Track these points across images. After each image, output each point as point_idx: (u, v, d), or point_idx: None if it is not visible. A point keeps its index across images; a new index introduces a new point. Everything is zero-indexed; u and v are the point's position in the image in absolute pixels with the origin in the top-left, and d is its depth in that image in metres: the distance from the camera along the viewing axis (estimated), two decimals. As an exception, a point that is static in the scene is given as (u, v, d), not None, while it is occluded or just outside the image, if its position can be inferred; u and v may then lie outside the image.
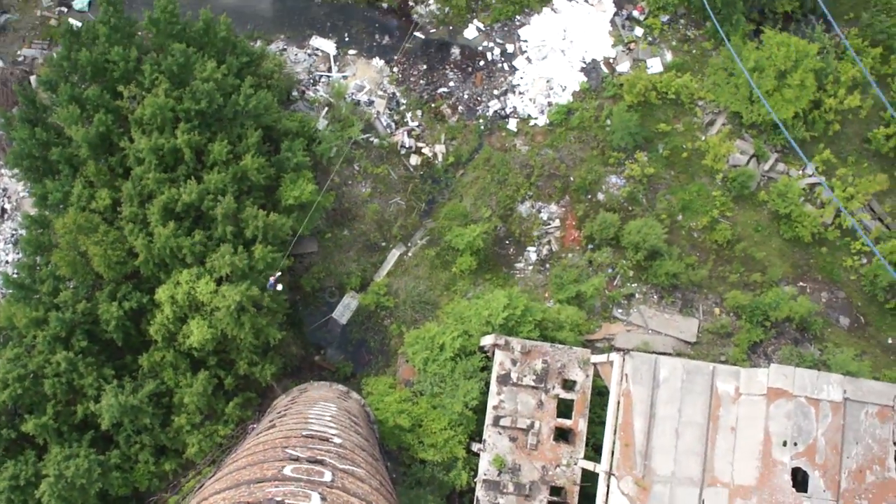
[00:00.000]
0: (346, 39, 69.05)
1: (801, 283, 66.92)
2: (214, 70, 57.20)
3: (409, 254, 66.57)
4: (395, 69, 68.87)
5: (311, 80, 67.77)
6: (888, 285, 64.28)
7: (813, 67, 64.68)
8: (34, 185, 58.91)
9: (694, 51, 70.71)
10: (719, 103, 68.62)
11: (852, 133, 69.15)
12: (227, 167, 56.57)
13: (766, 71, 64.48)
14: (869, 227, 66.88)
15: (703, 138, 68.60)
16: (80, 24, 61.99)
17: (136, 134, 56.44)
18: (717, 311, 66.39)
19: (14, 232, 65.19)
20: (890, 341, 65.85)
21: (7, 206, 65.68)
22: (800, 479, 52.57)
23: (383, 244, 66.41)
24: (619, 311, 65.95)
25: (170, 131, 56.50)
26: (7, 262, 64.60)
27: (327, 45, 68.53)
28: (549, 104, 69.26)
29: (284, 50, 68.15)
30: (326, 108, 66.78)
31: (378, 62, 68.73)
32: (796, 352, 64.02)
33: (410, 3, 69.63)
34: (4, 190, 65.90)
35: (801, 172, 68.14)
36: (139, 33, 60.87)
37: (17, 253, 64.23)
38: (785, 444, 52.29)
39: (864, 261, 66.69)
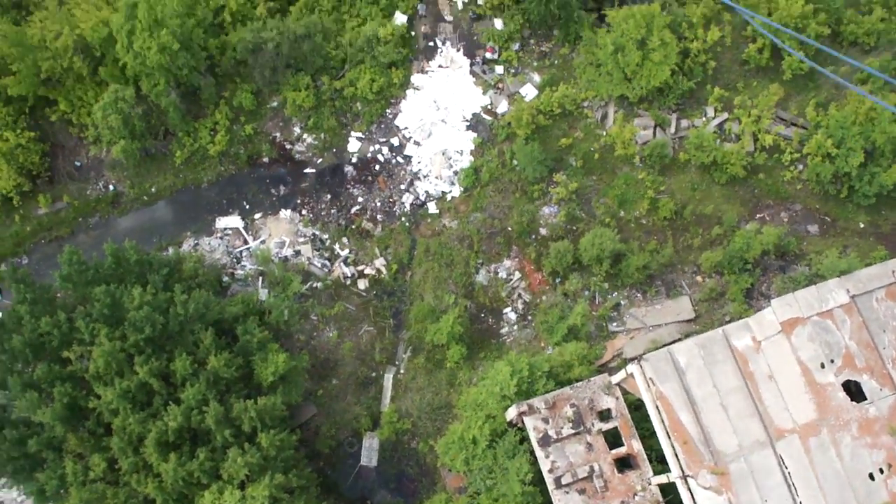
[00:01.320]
0: (248, 207, 70.13)
1: (758, 216, 68.65)
2: (142, 295, 57.63)
3: (401, 371, 66.83)
4: (304, 212, 70.00)
5: (234, 260, 68.58)
6: (832, 178, 66.24)
7: (665, 23, 67.47)
8: (26, 484, 58.22)
9: (556, 62, 73.19)
10: (602, 96, 70.88)
11: (729, 62, 71.89)
12: (198, 377, 56.69)
13: (627, 47, 67.04)
14: (788, 135, 69.09)
15: (605, 133, 70.66)
16: (-1, 314, 62.25)
17: (99, 389, 56.40)
18: (699, 279, 67.63)
19: (30, 542, 63.88)
20: (862, 226, 67.67)
21: (11, 519, 64.64)
22: (854, 390, 53.24)
23: (373, 375, 66.61)
24: (614, 324, 66.75)
25: (129, 371, 56.56)
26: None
27: (233, 221, 69.58)
28: (456, 173, 70.87)
29: (197, 244, 69.02)
30: (260, 278, 67.55)
31: (286, 213, 69.84)
32: (788, 278, 65.30)
33: (288, 146, 71.15)
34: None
35: (704, 119, 70.34)
36: (58, 295, 61.26)
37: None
38: (823, 365, 53.14)
39: (801, 167, 68.79)
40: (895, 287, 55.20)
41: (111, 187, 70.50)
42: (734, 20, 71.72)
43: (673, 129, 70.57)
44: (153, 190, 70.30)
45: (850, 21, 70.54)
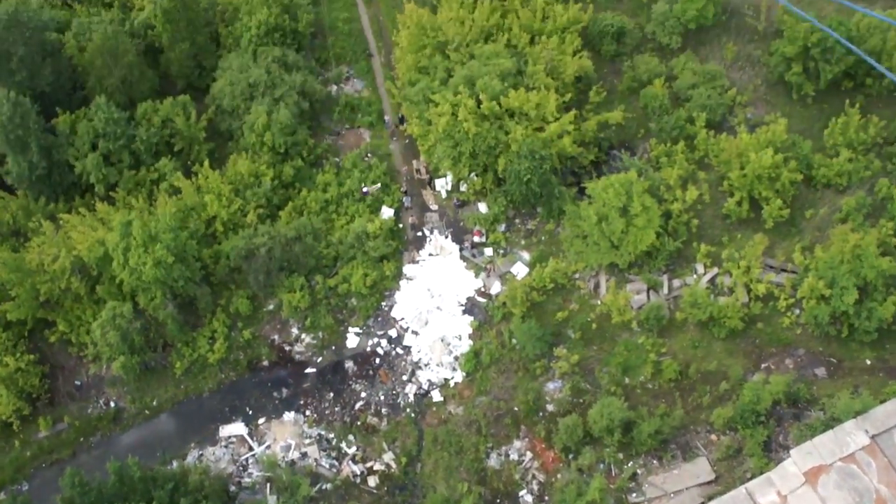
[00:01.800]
0: (251, 412, 70.06)
1: (763, 366, 68.29)
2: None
3: (423, 567, 64.76)
4: (308, 412, 69.81)
5: (241, 468, 67.77)
6: (831, 318, 66.37)
7: (643, 189, 69.61)
8: None
9: (543, 238, 75.07)
10: (592, 266, 72.19)
11: (711, 218, 73.75)
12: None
13: (610, 215, 68.86)
14: (780, 282, 69.82)
15: (599, 302, 71.50)
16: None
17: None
18: (714, 437, 66.48)
19: None
20: (869, 362, 67.15)
21: None
22: (890, 536, 51.38)
23: (395, 574, 64.55)
24: (634, 495, 65.00)
25: None
26: None
27: (237, 428, 69.31)
28: (456, 358, 71.24)
29: (201, 455, 68.40)
30: (268, 484, 66.50)
31: (289, 415, 69.63)
32: (804, 426, 64.09)
33: (287, 348, 71.93)
34: None
35: (695, 276, 71.32)
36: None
37: None
38: (854, 512, 51.49)
39: (798, 311, 69.06)
40: (915, 422, 54.12)
41: (112, 404, 70.86)
42: (709, 177, 74.12)
43: (666, 290, 71.40)
44: (154, 403, 70.55)
45: (820, 165, 72.89)
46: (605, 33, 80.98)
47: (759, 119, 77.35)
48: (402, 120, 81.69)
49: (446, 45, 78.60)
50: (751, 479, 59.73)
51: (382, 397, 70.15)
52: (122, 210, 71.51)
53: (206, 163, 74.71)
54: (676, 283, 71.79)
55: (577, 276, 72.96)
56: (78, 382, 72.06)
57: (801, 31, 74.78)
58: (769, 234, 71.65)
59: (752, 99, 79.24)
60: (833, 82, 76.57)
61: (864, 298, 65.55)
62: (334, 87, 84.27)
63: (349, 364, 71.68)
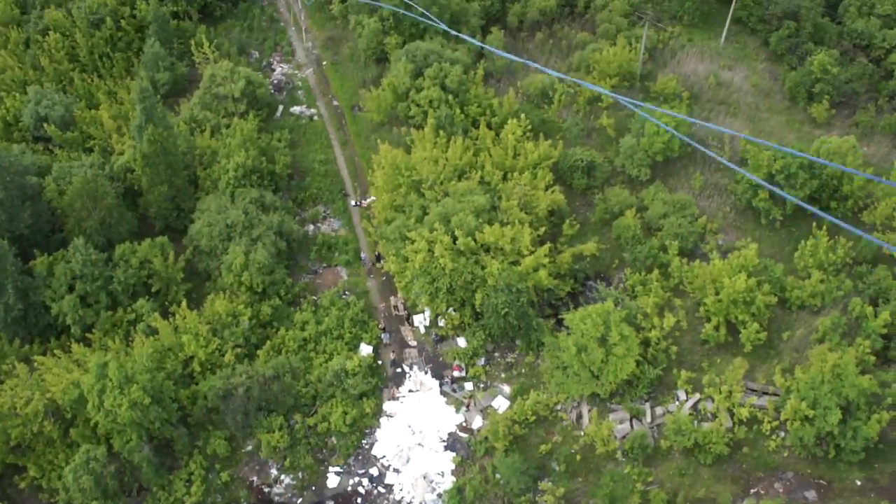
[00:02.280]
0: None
1: (752, 491, 67.57)
2: None
3: None
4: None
5: None
6: (816, 439, 66.23)
7: (621, 318, 70.45)
8: None
9: (523, 370, 75.25)
10: (573, 397, 72.15)
11: (689, 344, 74.55)
12: None
13: (589, 346, 69.34)
14: (763, 405, 69.97)
15: (582, 433, 71.11)
16: None
17: None
18: (706, 567, 65.21)
19: None
20: (859, 483, 66.66)
21: None
22: None
23: None
24: None
25: None
26: None
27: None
28: (440, 495, 69.97)
29: None
30: None
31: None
32: (798, 552, 63.31)
33: (266, 490, 70.35)
34: None
35: (677, 403, 71.38)
36: None
37: None
38: None
39: (783, 434, 68.92)
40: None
41: (85, 554, 68.46)
42: (686, 304, 75.28)
43: (649, 418, 71.24)
44: (129, 552, 68.43)
45: (793, 287, 74.47)
46: (575, 168, 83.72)
47: (730, 245, 79.40)
48: (378, 258, 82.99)
49: (421, 183, 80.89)
50: None
51: (364, 542, 68.52)
52: (98, 351, 71.18)
53: (184, 303, 75.08)
54: (659, 410, 71.74)
55: (558, 407, 72.82)
56: (49, 537, 69.90)
57: (764, 158, 77.79)
58: (748, 357, 72.39)
59: (722, 225, 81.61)
60: (799, 206, 79.00)
61: (848, 418, 65.73)
62: (311, 227, 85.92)
63: (330, 504, 70.33)
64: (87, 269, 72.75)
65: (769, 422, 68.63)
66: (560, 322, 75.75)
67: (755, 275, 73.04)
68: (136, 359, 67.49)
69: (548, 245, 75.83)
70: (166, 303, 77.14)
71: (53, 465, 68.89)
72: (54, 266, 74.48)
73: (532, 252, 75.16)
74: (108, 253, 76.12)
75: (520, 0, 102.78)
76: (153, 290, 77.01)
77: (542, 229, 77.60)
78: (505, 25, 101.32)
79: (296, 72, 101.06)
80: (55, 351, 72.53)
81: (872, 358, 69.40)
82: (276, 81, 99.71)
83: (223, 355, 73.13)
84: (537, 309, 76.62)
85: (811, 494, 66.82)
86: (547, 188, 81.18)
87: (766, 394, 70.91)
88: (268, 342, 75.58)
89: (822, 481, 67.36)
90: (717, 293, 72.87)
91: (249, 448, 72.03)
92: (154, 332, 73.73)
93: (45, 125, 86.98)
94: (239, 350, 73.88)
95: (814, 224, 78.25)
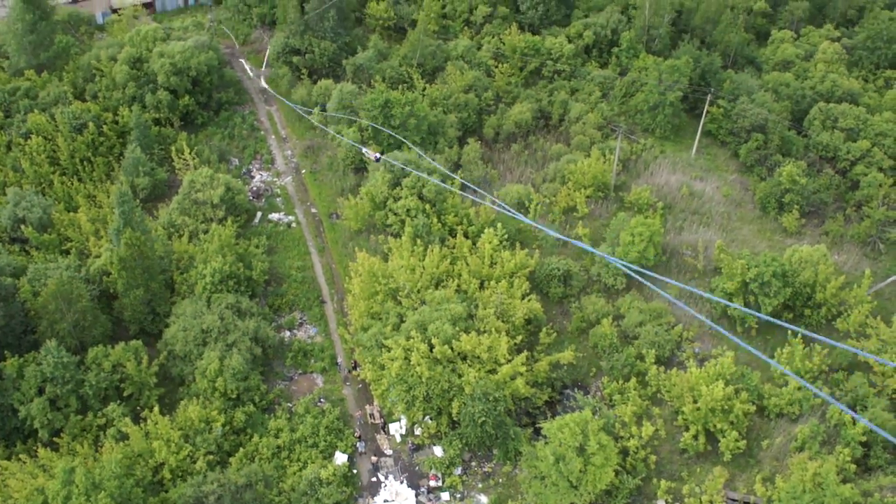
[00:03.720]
0: None
1: None
2: None
3: None
4: None
5: None
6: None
7: (599, 427, 70.50)
8: None
9: (501, 480, 74.74)
10: (552, 505, 71.70)
11: (668, 453, 74.63)
12: None
13: (567, 455, 69.10)
14: (745, 515, 69.94)
15: (563, 543, 70.36)
16: None
17: None
18: None
19: None
20: None
21: None
22: None
23: None
24: None
25: None
26: None
27: None
28: None
29: None
30: None
31: None
32: None
33: None
34: None
35: (658, 516, 71.22)
36: None
37: None
38: None
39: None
40: None
41: None
42: (664, 413, 75.67)
43: (630, 530, 70.79)
44: None
45: (770, 395, 75.24)
46: (551, 276, 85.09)
47: (706, 353, 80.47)
48: (355, 365, 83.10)
49: (398, 291, 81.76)
50: None
51: None
52: (66, 457, 69.91)
53: (156, 408, 74.30)
54: (637, 523, 71.43)
55: (537, 517, 72.23)
56: None
57: (738, 267, 79.56)
58: (728, 466, 72.57)
59: (699, 334, 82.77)
60: (773, 314, 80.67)
61: (831, 528, 65.68)
62: (287, 333, 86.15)
63: None
64: (59, 371, 72.24)
65: (754, 536, 68.54)
66: (538, 431, 75.76)
67: (732, 382, 73.94)
68: (104, 465, 66.26)
69: (525, 353, 76.43)
70: (138, 407, 76.43)
71: None
72: (25, 368, 73.87)
73: (509, 360, 75.73)
74: (80, 356, 75.77)
75: (496, 112, 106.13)
76: (125, 394, 76.38)
77: (519, 338, 78.33)
78: (481, 136, 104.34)
79: (275, 179, 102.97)
80: (20, 455, 71.19)
81: (853, 466, 69.78)
82: (255, 188, 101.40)
83: (195, 462, 72.14)
84: (514, 418, 76.75)
85: None
86: (523, 297, 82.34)
87: (748, 503, 70.83)
88: (241, 449, 74.67)
89: None
90: (695, 401, 73.49)
91: (220, 561, 70.45)
92: (124, 438, 72.81)
93: (22, 226, 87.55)
94: (211, 457, 72.88)
95: (789, 332, 79.65)
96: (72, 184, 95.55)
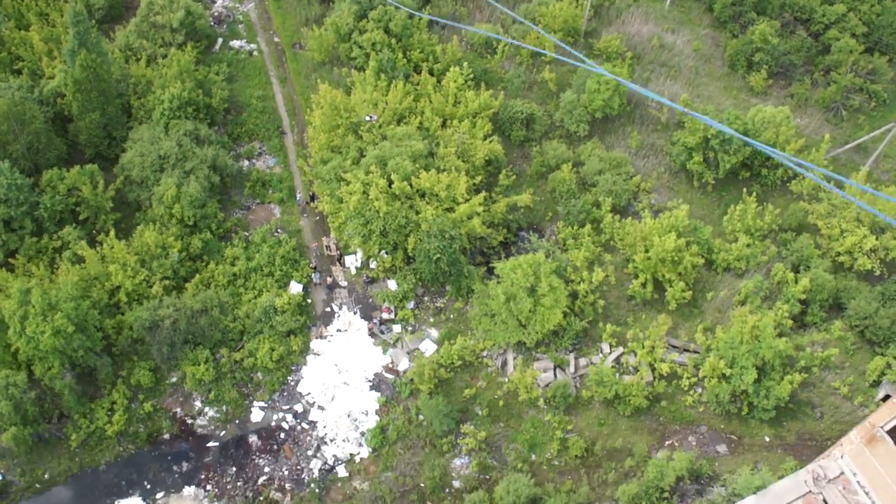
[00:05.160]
0: (148, 487, 68.86)
1: (667, 443, 70.94)
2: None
3: None
4: (209, 487, 69.10)
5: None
6: (731, 397, 69.70)
7: (551, 270, 72.66)
8: None
9: (452, 315, 77.24)
10: (500, 344, 74.45)
11: (616, 299, 77.30)
12: None
13: (518, 295, 71.46)
14: (683, 361, 73.18)
15: (507, 380, 73.53)
16: None
17: None
18: (618, 513, 68.44)
19: None
20: (767, 439, 70.49)
21: None
22: None
23: None
24: (539, 571, 66.24)
25: None
26: None
27: (134, 503, 68.18)
28: (363, 434, 71.90)
29: (91, 529, 66.93)
30: (163, 562, 65.52)
31: (189, 490, 68.73)
32: (706, 501, 66.64)
33: (189, 421, 71.51)
34: None
35: (601, 355, 74.19)
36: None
37: None
38: (757, 583, 53.77)
39: (700, 390, 72.30)
40: (811, 497, 57.09)
41: (0, 477, 68.88)
42: (615, 259, 77.93)
43: (573, 369, 73.92)
44: (46, 476, 68.69)
45: (720, 250, 77.64)
46: (514, 119, 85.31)
47: (662, 205, 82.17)
48: (312, 197, 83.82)
49: (359, 125, 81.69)
50: (654, 553, 61.88)
51: (286, 472, 70.13)
52: (22, 277, 70.89)
53: (112, 233, 74.94)
54: (583, 361, 74.49)
55: (484, 353, 75.04)
56: (-38, 457, 70.17)
57: (700, 123, 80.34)
58: (672, 315, 75.52)
59: (656, 185, 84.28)
60: (731, 172, 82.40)
61: (763, 378, 69.17)
62: (246, 163, 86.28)
63: (253, 438, 71.58)
64: (13, 193, 72.10)
65: (688, 378, 71.93)
66: (491, 271, 77.76)
67: (684, 235, 75.93)
68: (60, 286, 67.42)
69: (483, 194, 77.46)
70: (94, 231, 76.93)
71: (-28, 388, 68.96)
72: (-23, 189, 73.79)
73: (467, 200, 76.78)
74: (34, 178, 75.49)
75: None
76: (81, 217, 76.68)
77: (479, 178, 79.14)
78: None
79: (237, 5, 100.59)
80: (-25, 275, 72.08)
81: (790, 322, 73.04)
82: (216, 14, 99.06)
83: (151, 287, 73.54)
84: (469, 256, 78.50)
85: (722, 448, 70.49)
86: (485, 138, 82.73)
87: (687, 351, 74.18)
88: (197, 276, 76.02)
89: (733, 436, 71.07)
90: (646, 251, 75.57)
91: (174, 380, 72.89)
92: (80, 261, 73.64)
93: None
94: (167, 282, 74.25)
95: (744, 190, 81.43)
96: (22, 0, 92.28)
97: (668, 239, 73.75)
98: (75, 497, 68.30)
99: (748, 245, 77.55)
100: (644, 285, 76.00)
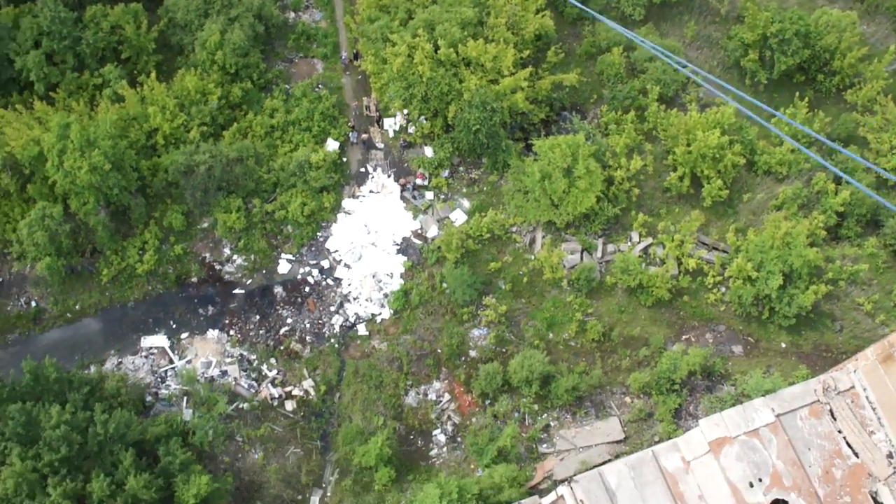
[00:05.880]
0: (174, 326, 71.16)
1: (684, 337, 71.75)
2: (60, 413, 57.75)
3: (328, 494, 66.92)
4: (232, 332, 71.19)
5: (159, 379, 68.97)
6: (754, 300, 69.94)
7: (589, 153, 72.00)
8: None
9: (485, 188, 77.18)
10: (530, 221, 74.60)
11: (652, 189, 76.74)
12: (115, 499, 56.30)
13: (554, 174, 71.11)
14: (710, 259, 73.20)
15: (533, 257, 74.02)
16: None
17: (3, 517, 55.71)
18: (628, 399, 69.79)
19: None
20: (784, 346, 71.08)
21: None
22: (783, 510, 55.01)
23: (299, 497, 66.55)
24: (544, 446, 68.14)
25: (41, 493, 55.87)
26: None
27: (159, 340, 70.43)
28: (386, 295, 73.16)
29: (120, 363, 69.38)
30: (185, 398, 67.85)
31: (213, 333, 70.92)
32: (715, 398, 67.90)
33: (218, 267, 72.98)
34: None
35: (629, 243, 74.28)
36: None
37: None
38: (751, 484, 55.08)
39: (724, 289, 72.57)
40: (818, 406, 57.91)
41: (33, 304, 71.14)
42: (655, 150, 77.00)
43: (599, 254, 74.20)
44: (77, 307, 71.08)
45: (763, 152, 76.38)
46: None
47: (710, 99, 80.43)
48: (356, 55, 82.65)
49: (411, -15, 79.74)
50: (658, 442, 63.47)
51: (308, 325, 71.91)
52: (62, 112, 70.98)
53: (153, 74, 74.56)
54: (610, 247, 74.67)
55: (514, 229, 75.31)
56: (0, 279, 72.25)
57: (761, 19, 77.81)
58: (706, 211, 75.05)
59: (707, 78, 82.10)
60: (786, 73, 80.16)
61: (788, 285, 69.07)
62: (292, 15, 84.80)
63: (278, 289, 73.17)
64: (56, 26, 71.48)
65: (713, 276, 72.04)
66: (529, 147, 77.14)
67: (729, 133, 74.60)
68: (99, 124, 67.58)
69: (529, 69, 76.02)
70: (135, 72, 76.49)
71: (9, 217, 70.32)
72: (21, 19, 73.02)
73: (512, 74, 75.39)
74: (78, 13, 74.52)
75: None
76: (122, 57, 76.13)
77: (526, 52, 77.49)
78: None
79: None
80: (17, 106, 72.05)
81: (824, 233, 72.33)
82: None
83: (188, 131, 73.57)
84: (508, 131, 77.70)
85: (738, 349, 71.24)
86: (537, 11, 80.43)
87: (716, 249, 74.03)
88: (235, 124, 76.02)
89: (750, 339, 71.70)
90: (688, 145, 74.46)
91: (205, 225, 74.01)
92: (120, 100, 73.60)
93: None
94: (205, 128, 74.27)
95: (796, 94, 79.32)
96: None
97: (711, 135, 72.57)
98: (103, 329, 70.67)
99: (792, 151, 76.09)
100: (681, 179, 75.29)
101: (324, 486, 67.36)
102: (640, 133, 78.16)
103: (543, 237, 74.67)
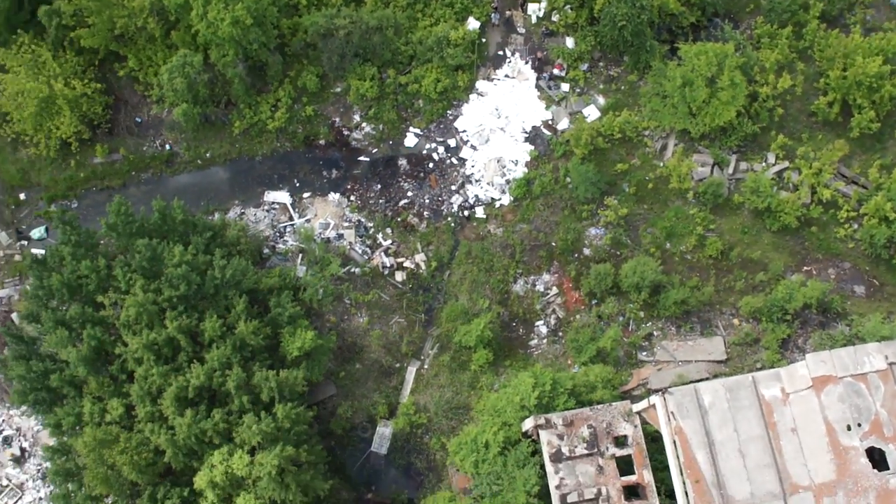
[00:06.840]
0: (297, 185, 72.74)
1: (805, 268, 69.52)
2: (183, 253, 60.24)
3: (426, 367, 68.66)
4: (353, 198, 72.43)
5: (278, 234, 71.12)
6: (886, 242, 66.85)
7: (737, 65, 68.83)
8: (45, 416, 61.42)
9: (623, 87, 74.97)
10: (664, 127, 72.42)
11: (797, 111, 73.15)
12: (225, 340, 58.94)
13: (696, 82, 68.41)
14: (847, 192, 70.02)
15: (662, 164, 72.13)
16: (43, 252, 65.42)
17: (127, 337, 58.92)
18: (736, 321, 68.54)
19: (39, 467, 67.15)
20: (909, 293, 68.41)
21: (25, 445, 67.74)
22: (878, 458, 53.40)
23: (397, 365, 68.64)
24: (644, 353, 67.92)
25: (159, 324, 59.04)
26: (41, 498, 66.09)
27: (282, 196, 72.24)
28: (508, 182, 72.75)
29: (243, 213, 71.71)
30: (301, 255, 69.89)
31: (334, 196, 72.29)
32: (826, 335, 65.97)
33: (346, 132, 73.60)
34: (18, 430, 67.92)
35: (764, 164, 71.54)
36: (101, 242, 64.14)
37: (49, 486, 65.70)
38: (849, 427, 53.52)
39: (856, 226, 69.57)
40: (935, 360, 55.50)
41: (167, 147, 73.59)
42: (807, 70, 73.02)
43: (731, 170, 71.82)
44: (208, 155, 73.16)
45: (926, 87, 71.65)
46: None
47: (877, 23, 75.21)
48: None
49: None
50: (760, 370, 62.32)
51: (427, 201, 72.39)
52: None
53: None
54: (743, 165, 72.13)
55: (646, 133, 73.30)
56: (138, 119, 74.70)
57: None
58: (852, 142, 71.25)
59: (877, 1, 76.83)
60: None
61: (926, 231, 65.88)
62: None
63: (402, 162, 73.62)
64: None
65: (847, 211, 69.01)
66: (674, 51, 74.09)
67: (892, 62, 69.88)
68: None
69: (686, -32, 72.67)
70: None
71: (152, 61, 72.41)
72: None
73: (668, -29, 72.17)
74: None
75: None
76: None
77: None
78: None
79: None
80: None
81: (975, 183, 68.07)
82: None
83: (332, -1, 73.42)
84: (655, 31, 74.68)
85: (860, 289, 68.71)
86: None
87: (856, 184, 70.57)
88: (377, 0, 75.44)
89: (875, 281, 68.98)
90: (844, 69, 70.25)
91: (338, 90, 74.44)
92: None
93: None
94: (349, -8, 73.95)
95: None
96: None
97: (872, 62, 68.20)
98: (230, 179, 72.98)
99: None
100: (831, 105, 71.37)
101: (422, 358, 69.02)
102: (794, 50, 73.91)
103: (676, 145, 72.51)
